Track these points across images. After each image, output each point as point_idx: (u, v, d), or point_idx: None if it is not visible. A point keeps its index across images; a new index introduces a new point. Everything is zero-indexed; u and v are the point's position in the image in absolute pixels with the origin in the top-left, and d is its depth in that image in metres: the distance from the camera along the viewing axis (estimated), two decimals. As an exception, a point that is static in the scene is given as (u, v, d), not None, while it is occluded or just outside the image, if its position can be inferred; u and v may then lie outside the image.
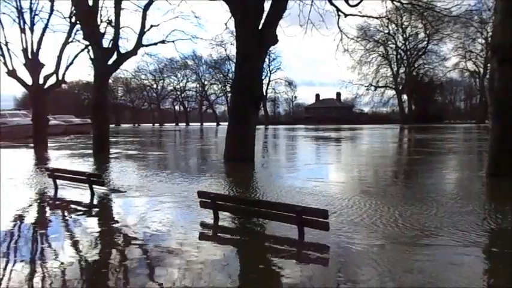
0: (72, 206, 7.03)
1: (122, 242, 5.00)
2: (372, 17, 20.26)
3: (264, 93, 71.49)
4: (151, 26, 20.40)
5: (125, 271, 4.02)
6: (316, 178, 9.97)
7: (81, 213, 6.55)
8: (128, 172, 11.34)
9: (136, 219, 5.96)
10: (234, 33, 14.72)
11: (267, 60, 72.95)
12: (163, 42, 21.54)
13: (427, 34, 70.61)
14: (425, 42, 75.17)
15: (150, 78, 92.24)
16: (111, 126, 31.17)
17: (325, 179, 9.90)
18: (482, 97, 66.71)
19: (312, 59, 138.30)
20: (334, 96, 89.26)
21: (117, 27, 18.46)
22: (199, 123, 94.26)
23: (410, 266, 3.92)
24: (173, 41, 22.36)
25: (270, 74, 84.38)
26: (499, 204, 6.62)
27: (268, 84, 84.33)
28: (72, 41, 22.32)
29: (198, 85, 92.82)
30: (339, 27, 18.33)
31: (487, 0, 57.45)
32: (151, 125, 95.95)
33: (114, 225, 5.83)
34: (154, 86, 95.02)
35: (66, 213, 6.50)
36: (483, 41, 67.76)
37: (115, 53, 18.45)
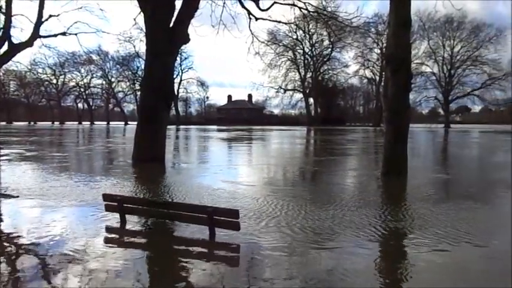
0: (-50, 214, 6.13)
1: (13, 251, 4.47)
2: (281, 22, 21.09)
3: (176, 93, 70.12)
4: (50, 15, 18.77)
5: (15, 284, 3.60)
6: (227, 179, 10.04)
7: (-39, 222, 5.74)
8: (22, 175, 10.22)
9: (31, 225, 5.38)
10: (144, 30, 14.18)
11: (178, 59, 71.69)
12: (64, 34, 19.95)
13: (331, 42, 75.87)
14: (329, 49, 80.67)
15: (49, 73, 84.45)
16: (1, 124, 27.82)
17: (236, 181, 10.00)
18: (378, 102, 73.51)
19: (224, 60, 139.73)
20: (246, 98, 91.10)
21: (8, 15, 16.59)
22: (105, 122, 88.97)
23: (316, 265, 4.12)
24: (76, 34, 20.83)
25: (182, 73, 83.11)
26: (394, 204, 7.32)
27: (179, 83, 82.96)
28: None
29: (104, 82, 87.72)
30: (250, 30, 18.73)
31: (382, 15, 63.68)
32: (50, 123, 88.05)
33: (2, 233, 5.19)
34: (54, 81, 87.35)
35: None
36: (379, 51, 74.87)
37: (6, 43, 16.55)
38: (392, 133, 10.27)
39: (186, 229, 5.15)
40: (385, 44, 45.91)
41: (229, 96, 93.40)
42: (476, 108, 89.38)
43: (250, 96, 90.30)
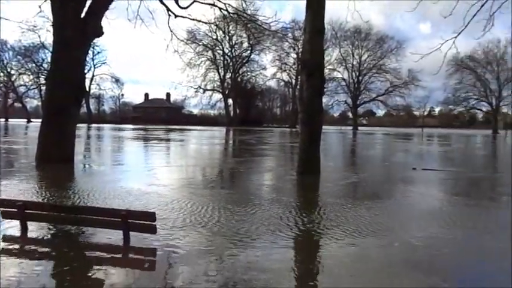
0: None
1: None
2: (201, 22, 20.88)
3: (87, 89, 65.89)
4: None
5: None
6: (144, 181, 9.67)
7: None
8: None
9: None
10: (51, 19, 13.04)
11: (90, 52, 67.55)
12: (-48, 17, 17.54)
13: (250, 44, 77.28)
14: (248, 52, 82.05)
15: None
16: None
17: (154, 182, 9.65)
18: (294, 105, 76.54)
19: (141, 57, 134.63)
20: (164, 97, 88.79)
21: None
22: (3, 119, 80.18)
23: (234, 265, 4.13)
24: (-33, 18, 18.42)
25: (94, 68, 78.30)
26: (308, 203, 7.65)
27: (92, 79, 78.11)
28: None
29: (2, 74, 78.87)
30: (169, 27, 18.25)
31: (298, 21, 66.52)
32: None
33: None
34: None
35: None
36: (295, 56, 78.13)
37: None
38: (307, 134, 10.77)
39: (98, 235, 4.84)
40: (301, 49, 47.94)
41: (146, 95, 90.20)
42: (380, 112, 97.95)
43: (168, 95, 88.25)
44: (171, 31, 18.53)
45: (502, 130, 71.20)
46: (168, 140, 30.37)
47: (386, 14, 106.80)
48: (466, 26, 13.10)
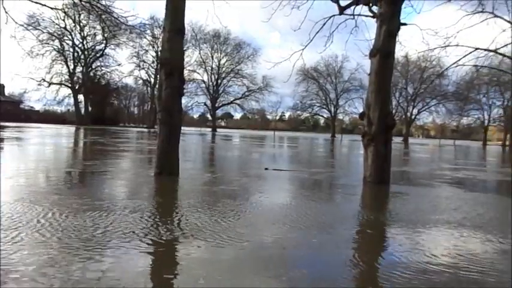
0: None
1: None
2: (46, 6, 18.56)
3: None
4: None
5: None
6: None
7: None
8: None
9: None
10: None
11: None
12: None
13: (105, 37, 72.27)
14: (103, 45, 76.59)
15: None
16: None
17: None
18: (153, 104, 74.50)
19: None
20: (-3, 88, 76.32)
21: None
22: None
23: (84, 278, 3.75)
24: None
25: None
26: (165, 206, 7.47)
27: None
28: None
29: None
30: (4, 8, 15.75)
31: (158, 19, 65.16)
32: None
33: None
34: None
35: None
36: (154, 54, 76.16)
37: None
38: (166, 135, 10.57)
39: None
40: (160, 48, 46.99)
41: (-28, 85, 76.19)
42: (238, 115, 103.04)
43: (2, 86, 76.08)
44: (6, 12, 16.02)
45: (338, 134, 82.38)
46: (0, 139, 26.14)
47: (241, 22, 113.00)
48: (311, 41, 14.64)
